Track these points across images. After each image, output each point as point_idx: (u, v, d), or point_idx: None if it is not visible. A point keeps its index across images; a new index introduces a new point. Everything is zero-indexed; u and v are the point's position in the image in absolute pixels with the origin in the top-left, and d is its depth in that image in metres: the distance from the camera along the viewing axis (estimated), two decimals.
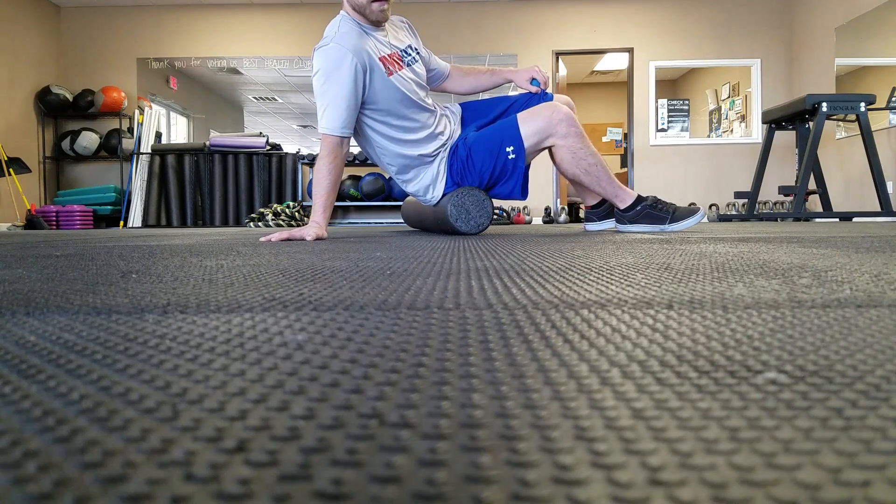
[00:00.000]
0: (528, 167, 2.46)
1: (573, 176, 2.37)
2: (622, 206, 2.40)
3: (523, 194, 2.41)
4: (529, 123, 2.30)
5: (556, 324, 0.47)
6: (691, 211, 2.37)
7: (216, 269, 0.98)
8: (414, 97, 2.30)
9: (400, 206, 6.91)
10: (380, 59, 2.21)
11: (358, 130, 2.36)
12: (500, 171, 2.34)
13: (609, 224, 2.65)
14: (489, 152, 2.33)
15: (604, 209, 2.65)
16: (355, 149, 6.32)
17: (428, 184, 2.44)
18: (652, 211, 2.36)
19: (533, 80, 2.47)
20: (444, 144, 2.42)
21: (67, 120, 7.49)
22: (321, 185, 2.15)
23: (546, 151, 2.42)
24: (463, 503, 0.18)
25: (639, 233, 2.34)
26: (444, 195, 2.42)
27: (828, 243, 1.46)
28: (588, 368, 0.33)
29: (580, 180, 2.38)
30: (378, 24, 2.25)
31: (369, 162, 6.68)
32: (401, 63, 2.29)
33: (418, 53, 2.42)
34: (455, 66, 2.62)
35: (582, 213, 9.37)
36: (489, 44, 7.56)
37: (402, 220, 6.97)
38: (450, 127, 2.47)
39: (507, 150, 2.31)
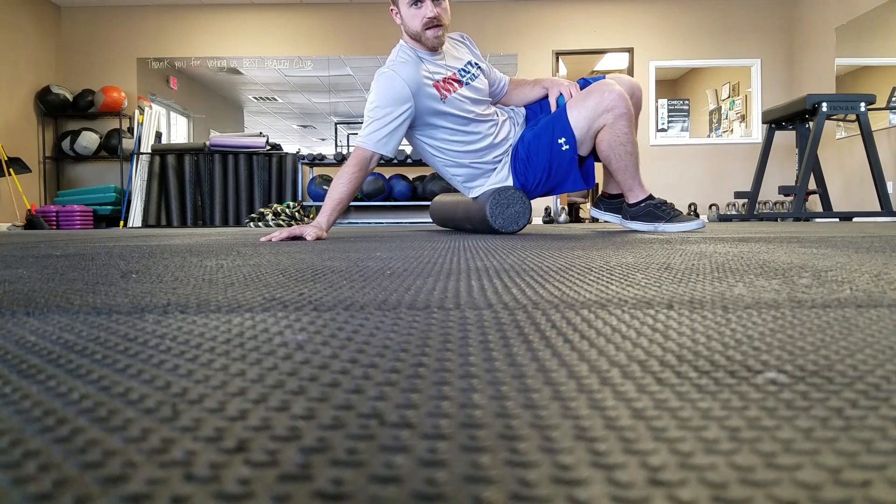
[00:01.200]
0: (591, 155, 2.40)
1: (605, 156, 2.34)
2: (631, 202, 2.40)
3: (587, 183, 2.38)
4: (578, 109, 2.28)
5: (556, 324, 0.47)
6: (690, 218, 2.38)
7: (216, 269, 0.98)
8: (470, 115, 2.33)
9: (400, 205, 6.93)
10: (434, 84, 2.25)
11: (418, 148, 2.42)
12: (558, 165, 2.32)
13: (610, 217, 2.64)
14: (543, 148, 2.33)
15: (614, 203, 2.64)
16: None
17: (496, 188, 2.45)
18: (654, 210, 2.36)
19: (560, 98, 2.42)
20: (506, 151, 2.43)
21: (67, 120, 7.50)
22: (337, 190, 2.17)
23: None
24: (463, 503, 0.18)
25: (636, 231, 2.34)
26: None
27: (828, 243, 1.46)
28: (588, 368, 0.33)
29: (609, 162, 2.34)
30: (434, 49, 2.29)
31: None
32: (458, 83, 2.32)
33: (479, 68, 2.43)
34: (511, 78, 2.61)
35: (581, 213, 9.25)
36: (489, 44, 7.56)
37: (402, 221, 6.98)
38: (514, 130, 2.47)
39: (560, 142, 2.29)
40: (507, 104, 2.58)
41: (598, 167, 2.49)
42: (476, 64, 2.42)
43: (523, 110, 2.54)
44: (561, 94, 2.41)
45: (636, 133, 2.32)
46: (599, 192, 2.78)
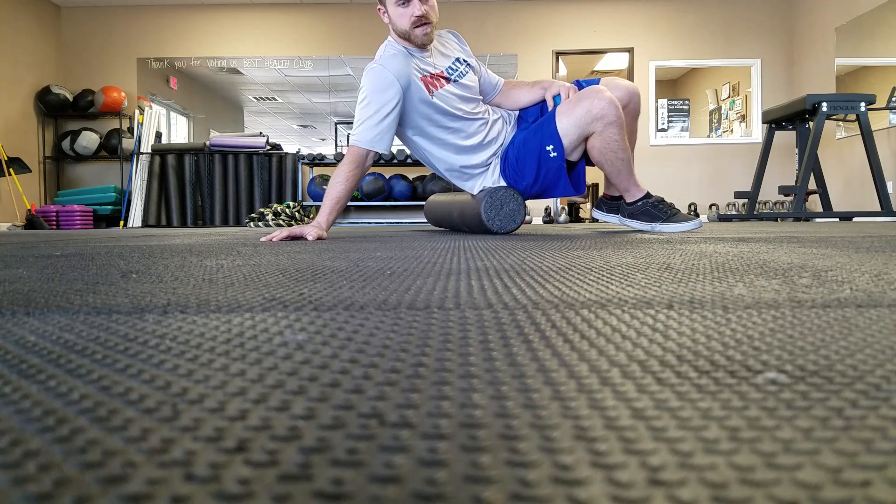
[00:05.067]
0: (583, 158, 2.38)
1: (597, 162, 2.33)
2: (629, 201, 2.41)
3: (577, 189, 2.37)
4: (568, 116, 2.25)
5: (556, 324, 0.47)
6: (688, 217, 2.38)
7: (216, 269, 0.98)
8: (458, 112, 2.32)
9: (400, 205, 6.94)
10: (422, 79, 2.26)
11: (415, 150, 2.43)
12: (546, 171, 2.31)
13: (613, 219, 2.64)
14: (532, 154, 2.32)
15: (617, 205, 2.63)
16: None
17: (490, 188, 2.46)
18: (651, 209, 2.36)
19: (556, 97, 2.40)
20: (496, 152, 2.43)
21: (67, 120, 7.50)
22: (335, 189, 2.18)
23: None
24: (463, 503, 0.18)
25: (635, 229, 2.34)
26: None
27: (828, 243, 1.46)
28: (588, 368, 0.33)
29: (602, 167, 2.34)
30: (423, 47, 2.30)
31: None
32: (446, 80, 2.32)
33: (468, 65, 2.42)
34: (507, 80, 2.60)
35: (581, 213, 9.26)
36: (489, 44, 7.56)
37: (402, 220, 6.98)
38: (506, 130, 2.46)
39: (548, 149, 2.28)
40: (500, 106, 2.56)
41: (595, 168, 2.48)
42: (465, 61, 2.42)
43: (516, 112, 2.54)
44: (558, 93, 2.39)
45: (636, 137, 2.31)
46: (601, 194, 2.77)
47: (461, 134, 2.35)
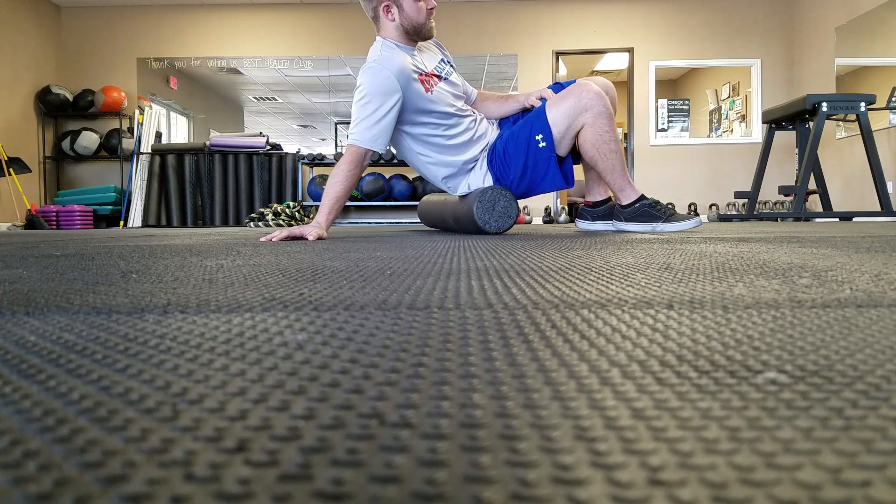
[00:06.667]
0: (570, 155, 2.41)
1: (591, 158, 2.34)
2: (624, 203, 2.40)
3: (567, 182, 2.38)
4: (557, 107, 2.29)
5: (556, 324, 0.47)
6: (687, 216, 2.38)
7: (216, 269, 0.98)
8: (452, 109, 2.36)
9: (400, 205, 6.94)
10: (419, 77, 2.28)
11: (401, 147, 2.43)
12: (534, 162, 2.32)
13: (600, 226, 2.63)
14: (521, 145, 2.34)
15: (600, 210, 2.64)
16: None
17: (477, 186, 2.47)
18: (649, 209, 2.36)
19: (542, 100, 2.43)
20: (484, 148, 2.46)
21: (67, 120, 7.49)
22: (334, 188, 2.18)
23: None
24: (463, 503, 0.18)
25: (633, 232, 2.33)
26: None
27: (828, 243, 1.46)
28: (588, 368, 0.33)
29: (596, 163, 2.34)
30: (418, 40, 2.35)
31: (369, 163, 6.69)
32: (438, 78, 2.36)
33: (450, 66, 2.48)
34: (480, 91, 2.64)
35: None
36: (489, 44, 7.56)
37: (402, 220, 6.98)
38: (490, 129, 2.50)
39: (537, 138, 2.30)
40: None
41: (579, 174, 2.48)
42: (448, 61, 2.48)
43: (495, 121, 2.59)
44: (542, 97, 2.42)
45: (615, 129, 2.32)
46: (582, 205, 2.76)
47: (454, 130, 2.37)
